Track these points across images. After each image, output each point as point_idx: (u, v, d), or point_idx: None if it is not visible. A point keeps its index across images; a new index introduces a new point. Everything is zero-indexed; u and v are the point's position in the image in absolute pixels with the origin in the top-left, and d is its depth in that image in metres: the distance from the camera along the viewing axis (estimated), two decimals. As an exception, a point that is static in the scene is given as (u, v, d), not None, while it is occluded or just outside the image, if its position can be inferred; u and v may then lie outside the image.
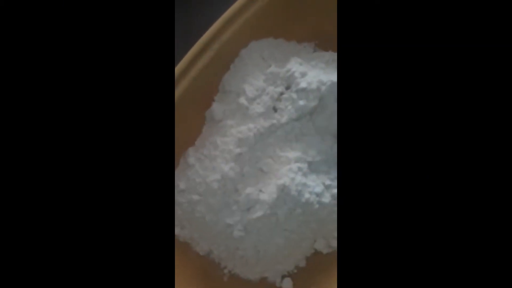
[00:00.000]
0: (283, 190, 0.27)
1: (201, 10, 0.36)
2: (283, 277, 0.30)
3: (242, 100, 0.29)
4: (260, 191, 0.28)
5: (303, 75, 0.29)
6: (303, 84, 0.28)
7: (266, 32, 0.32)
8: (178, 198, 0.29)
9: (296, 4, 0.32)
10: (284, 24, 0.33)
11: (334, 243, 0.29)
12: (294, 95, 0.29)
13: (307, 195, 0.27)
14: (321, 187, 0.28)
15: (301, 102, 0.28)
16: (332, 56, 0.31)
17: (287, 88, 0.29)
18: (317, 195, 0.28)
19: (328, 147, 0.29)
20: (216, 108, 0.30)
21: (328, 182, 0.28)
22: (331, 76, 0.29)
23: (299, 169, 0.28)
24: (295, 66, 0.29)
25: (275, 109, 0.29)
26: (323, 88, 0.28)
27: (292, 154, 0.28)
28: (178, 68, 0.29)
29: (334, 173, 0.29)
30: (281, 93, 0.29)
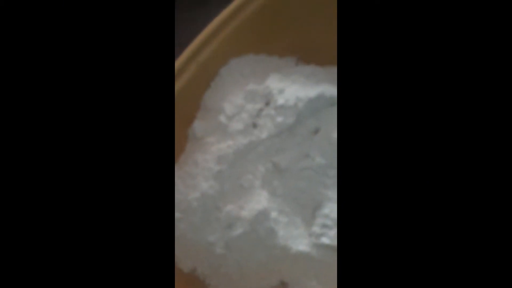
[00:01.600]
0: (264, 209, 0.27)
1: (180, 28, 0.37)
2: (268, 292, 0.30)
3: (222, 117, 0.29)
4: (241, 207, 0.28)
5: (281, 91, 0.29)
6: (280, 101, 0.29)
7: (246, 48, 0.33)
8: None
9: (276, 19, 0.33)
10: (264, 39, 0.33)
11: None
12: (273, 112, 0.29)
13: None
14: None
15: (279, 119, 0.29)
16: (313, 69, 0.32)
17: (267, 104, 0.30)
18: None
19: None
20: (197, 125, 0.30)
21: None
22: (309, 92, 0.29)
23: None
24: (273, 82, 0.29)
25: (255, 126, 0.30)
26: (300, 104, 0.28)
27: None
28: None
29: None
30: (261, 110, 0.30)
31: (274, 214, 0.28)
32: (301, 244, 0.28)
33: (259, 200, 0.28)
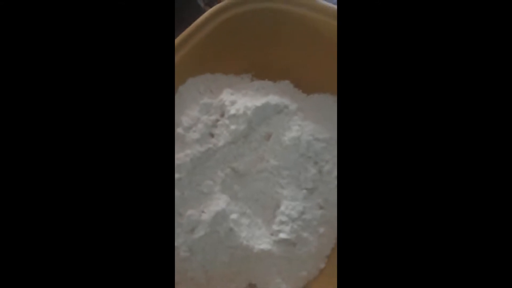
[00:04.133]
0: (222, 210, 0.29)
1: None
2: (236, 295, 0.31)
3: (180, 130, 0.32)
4: (203, 212, 0.30)
5: (233, 103, 0.32)
6: (232, 111, 0.31)
7: (204, 68, 0.36)
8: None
9: (230, 40, 0.36)
10: (220, 59, 0.36)
11: None
12: (227, 121, 0.32)
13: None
14: None
15: (233, 127, 0.31)
16: (263, 83, 0.35)
17: (222, 116, 0.32)
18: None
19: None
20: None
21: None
22: (256, 102, 0.32)
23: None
24: (226, 96, 0.32)
25: (212, 135, 0.32)
26: (249, 112, 0.31)
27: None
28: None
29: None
30: (217, 120, 0.32)
31: (234, 216, 0.30)
32: (263, 243, 0.30)
33: (218, 203, 0.30)
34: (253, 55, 0.37)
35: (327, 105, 0.34)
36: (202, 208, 0.30)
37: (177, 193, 0.30)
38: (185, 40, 0.34)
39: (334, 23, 0.33)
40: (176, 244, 0.30)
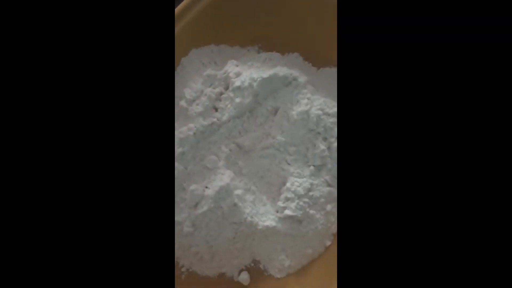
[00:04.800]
0: (226, 185, 0.28)
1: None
2: (240, 271, 0.30)
3: (182, 103, 0.30)
4: (206, 187, 0.29)
5: (238, 75, 0.30)
6: (237, 83, 0.30)
7: (208, 38, 0.34)
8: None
9: (236, 8, 0.34)
10: (226, 29, 0.34)
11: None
12: (231, 94, 0.30)
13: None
14: None
15: (238, 100, 0.30)
16: (270, 55, 0.33)
17: (226, 88, 0.31)
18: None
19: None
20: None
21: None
22: (262, 73, 0.30)
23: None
24: (230, 67, 0.31)
25: (216, 109, 0.31)
26: (255, 84, 0.30)
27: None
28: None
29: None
30: (221, 94, 0.31)
31: (239, 192, 0.29)
32: (268, 219, 0.29)
33: (222, 178, 0.29)
34: (260, 26, 0.35)
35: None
36: (206, 183, 0.29)
37: (180, 167, 0.29)
38: (187, 9, 0.32)
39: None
40: (179, 219, 0.29)
